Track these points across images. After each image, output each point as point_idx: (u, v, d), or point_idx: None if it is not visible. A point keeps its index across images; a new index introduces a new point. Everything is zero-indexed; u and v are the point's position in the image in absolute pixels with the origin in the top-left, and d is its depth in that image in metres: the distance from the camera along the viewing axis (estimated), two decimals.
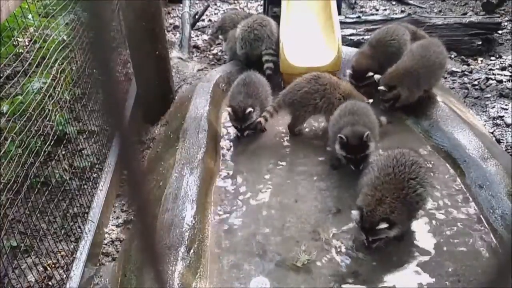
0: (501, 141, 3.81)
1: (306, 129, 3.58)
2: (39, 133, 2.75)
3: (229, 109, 3.37)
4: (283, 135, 3.55)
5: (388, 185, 2.47)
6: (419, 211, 2.64)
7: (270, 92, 3.61)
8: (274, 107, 3.46)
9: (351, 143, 2.88)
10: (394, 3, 6.41)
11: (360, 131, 2.89)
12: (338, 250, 2.58)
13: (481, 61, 5.00)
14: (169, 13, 6.27)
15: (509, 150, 3.68)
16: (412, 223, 2.65)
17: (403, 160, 2.54)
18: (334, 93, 3.38)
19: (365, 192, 2.51)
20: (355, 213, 2.47)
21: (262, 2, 5.76)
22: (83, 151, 3.44)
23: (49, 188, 2.76)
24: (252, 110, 3.34)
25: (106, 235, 3.09)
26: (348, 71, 3.82)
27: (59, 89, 2.99)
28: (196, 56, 5.26)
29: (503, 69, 4.84)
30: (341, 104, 3.22)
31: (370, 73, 3.65)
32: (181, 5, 6.04)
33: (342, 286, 2.39)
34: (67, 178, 3.16)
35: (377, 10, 6.27)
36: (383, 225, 2.38)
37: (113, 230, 3.14)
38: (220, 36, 5.18)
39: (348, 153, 2.92)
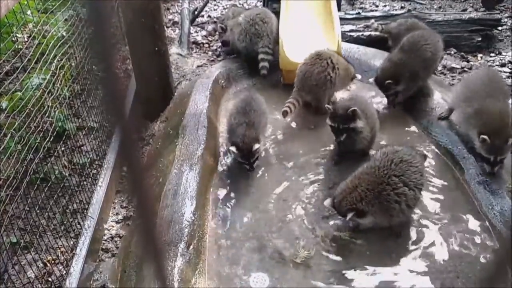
0: None
1: (307, 126, 3.58)
2: (39, 129, 2.74)
3: (233, 148, 3.05)
4: (283, 131, 3.55)
5: (368, 176, 2.54)
6: (398, 212, 2.54)
7: (266, 108, 3.38)
8: (296, 99, 3.55)
9: (337, 112, 3.03)
10: None
11: (348, 105, 3.06)
12: (338, 246, 2.59)
13: (481, 57, 4.98)
14: (168, 9, 6.25)
15: None
16: (393, 223, 2.58)
17: (392, 157, 2.56)
18: (336, 63, 3.60)
19: (347, 180, 2.60)
20: (327, 202, 2.63)
21: None
22: (82, 148, 3.43)
23: (48, 184, 2.76)
24: (259, 145, 3.07)
25: (106, 231, 3.09)
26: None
27: (58, 85, 2.98)
28: (196, 52, 5.24)
29: (502, 65, 4.82)
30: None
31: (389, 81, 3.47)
32: (181, 1, 6.02)
33: (341, 282, 2.40)
34: (67, 174, 3.16)
35: (376, 6, 6.24)
36: (350, 214, 2.48)
37: (113, 226, 3.14)
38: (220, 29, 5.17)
39: (332, 122, 3.05)
